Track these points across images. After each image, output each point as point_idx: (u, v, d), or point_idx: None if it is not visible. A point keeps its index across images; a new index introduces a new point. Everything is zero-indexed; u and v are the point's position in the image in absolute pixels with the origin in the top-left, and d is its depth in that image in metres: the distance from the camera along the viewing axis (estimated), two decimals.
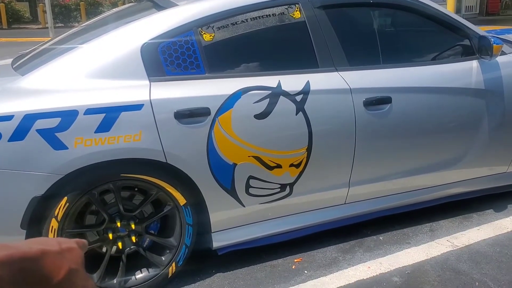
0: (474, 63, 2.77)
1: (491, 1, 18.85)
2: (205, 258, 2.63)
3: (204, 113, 2.27)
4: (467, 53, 2.82)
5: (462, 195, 3.03)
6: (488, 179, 3.04)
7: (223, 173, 2.37)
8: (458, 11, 17.18)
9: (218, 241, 2.51)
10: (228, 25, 2.43)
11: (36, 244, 0.57)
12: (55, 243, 0.59)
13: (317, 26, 2.54)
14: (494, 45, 2.63)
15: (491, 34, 2.86)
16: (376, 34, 2.76)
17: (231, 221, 2.51)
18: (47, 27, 14.57)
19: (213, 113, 2.27)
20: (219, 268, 2.61)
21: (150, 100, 2.20)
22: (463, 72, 2.75)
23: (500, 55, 2.82)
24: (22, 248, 0.54)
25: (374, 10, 2.76)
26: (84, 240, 0.66)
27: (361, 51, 2.75)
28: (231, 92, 2.31)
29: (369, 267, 2.53)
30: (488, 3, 18.85)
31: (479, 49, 2.74)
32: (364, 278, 2.44)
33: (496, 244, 2.68)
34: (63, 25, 18.39)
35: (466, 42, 2.82)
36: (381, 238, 2.83)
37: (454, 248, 2.66)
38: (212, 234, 2.49)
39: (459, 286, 2.32)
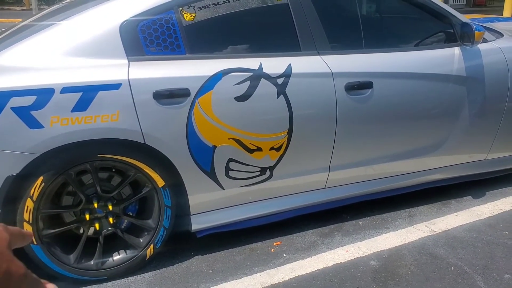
0: (456, 50, 2.78)
1: None
2: (184, 241, 2.62)
3: (184, 94, 2.24)
4: (450, 40, 2.82)
5: (442, 181, 3.06)
6: (467, 166, 3.07)
7: (203, 155, 2.35)
8: (446, 1, 17.24)
9: (197, 223, 2.50)
10: (209, 5, 2.40)
11: None
12: None
13: (300, 9, 2.52)
14: (475, 32, 2.64)
15: (474, 22, 2.86)
16: (359, 18, 2.74)
17: (211, 204, 2.50)
18: (31, 9, 14.28)
19: (193, 94, 2.25)
20: (198, 251, 2.60)
21: (128, 79, 2.16)
22: (445, 58, 2.75)
23: (482, 43, 2.83)
24: None
25: None
26: (26, 231, 0.61)
27: (343, 35, 2.74)
28: (211, 74, 2.28)
29: (347, 251, 2.55)
30: None
31: (462, 36, 2.74)
32: (342, 261, 2.45)
33: (472, 229, 2.72)
34: (47, 6, 18.03)
35: (449, 28, 2.82)
36: (360, 222, 2.85)
37: (432, 234, 2.68)
38: (191, 216, 2.48)
39: (434, 270, 2.34)
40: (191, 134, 2.28)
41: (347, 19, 2.81)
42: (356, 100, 2.55)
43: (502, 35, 3.13)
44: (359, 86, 2.54)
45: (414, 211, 2.96)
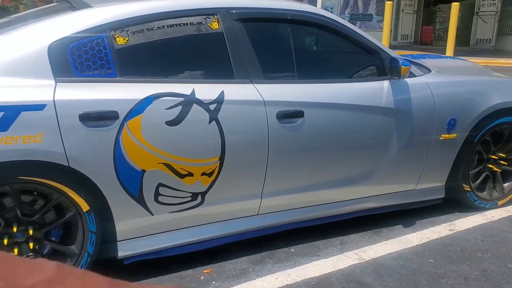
0: (385, 83, 2.90)
1: (424, 32, 19.96)
2: (111, 268, 2.54)
3: (112, 117, 2.21)
4: (380, 74, 2.95)
5: (373, 210, 3.13)
6: (398, 196, 3.17)
7: (131, 180, 2.31)
8: (394, 38, 18.07)
9: (124, 250, 2.44)
10: (143, 30, 2.41)
11: None
12: None
13: (234, 38, 2.57)
14: (402, 66, 2.77)
15: (403, 57, 3.01)
16: (292, 49, 2.82)
17: (139, 230, 2.45)
18: None
19: (121, 117, 2.23)
20: (124, 278, 2.48)
21: (53, 100, 2.12)
22: (375, 91, 2.87)
23: (410, 77, 2.97)
24: None
25: (291, 27, 2.83)
26: None
27: (276, 65, 2.81)
28: (142, 97, 2.28)
29: (276, 278, 2.55)
30: (422, 33, 19.96)
31: (390, 70, 2.87)
32: None
33: (400, 257, 2.79)
34: None
35: (379, 63, 2.95)
36: (292, 250, 2.86)
37: (361, 261, 2.73)
38: (117, 243, 2.42)
39: None
40: (118, 158, 2.25)
41: (281, 49, 2.89)
42: (287, 128, 2.60)
43: (430, 70, 3.30)
44: (290, 114, 2.60)
45: (346, 239, 3.01)
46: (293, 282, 2.51)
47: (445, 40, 15.87)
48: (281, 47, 2.89)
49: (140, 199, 2.37)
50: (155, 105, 2.30)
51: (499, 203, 3.50)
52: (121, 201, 2.33)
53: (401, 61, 2.79)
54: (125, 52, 2.35)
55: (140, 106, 2.27)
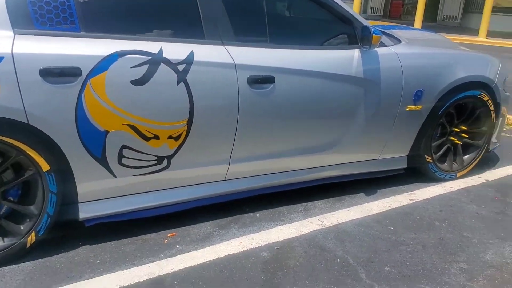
0: (356, 52, 2.89)
1: (394, 6, 20.10)
2: (72, 229, 2.49)
3: (74, 73, 2.11)
4: (351, 42, 2.92)
5: (338, 178, 3.17)
6: (362, 165, 3.21)
7: (93, 140, 2.23)
8: (364, 11, 18.11)
9: (86, 212, 2.38)
10: None
11: None
12: None
13: None
14: (373, 35, 2.76)
15: (374, 27, 3.00)
16: (265, 13, 2.74)
17: (101, 192, 2.39)
18: None
19: (84, 74, 2.13)
20: (86, 240, 2.48)
21: (12, 53, 2.00)
22: (345, 59, 2.85)
23: (380, 47, 2.97)
24: None
25: None
26: None
27: (249, 28, 2.74)
28: (106, 54, 2.18)
29: (241, 242, 2.56)
30: (391, 7, 20.07)
31: (361, 38, 2.85)
32: (234, 252, 2.46)
33: (361, 224, 2.85)
34: None
35: (352, 31, 2.93)
36: (257, 215, 2.88)
37: (323, 227, 2.78)
38: (79, 204, 2.36)
39: (321, 262, 2.42)
40: (81, 117, 2.16)
41: (254, 12, 2.81)
42: (258, 94, 2.56)
43: (400, 41, 3.31)
44: (261, 80, 2.56)
45: (310, 205, 3.04)
46: (257, 246, 2.53)
47: (413, 15, 16.04)
48: (254, 9, 2.81)
49: (102, 161, 2.30)
50: (120, 63, 2.21)
51: (458, 174, 3.62)
52: (83, 161, 2.26)
53: (372, 30, 2.77)
54: (90, 6, 2.23)
55: (104, 63, 2.17)
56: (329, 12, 2.90)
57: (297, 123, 2.78)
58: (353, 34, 2.92)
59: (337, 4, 2.89)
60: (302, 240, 2.62)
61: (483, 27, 14.51)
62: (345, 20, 2.93)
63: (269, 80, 2.58)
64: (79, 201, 2.35)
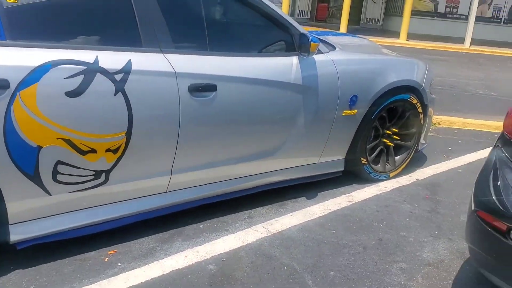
0: (294, 59, 2.92)
1: (320, 9, 20.72)
2: (2, 253, 2.29)
3: (2, 86, 1.94)
4: (289, 49, 2.95)
5: (280, 183, 3.19)
6: (302, 169, 3.26)
7: (24, 157, 2.07)
8: (292, 14, 18.49)
9: (17, 234, 2.21)
10: None
11: None
12: None
13: (143, 2, 2.38)
14: (311, 42, 2.80)
15: (311, 34, 3.05)
16: (204, 20, 2.70)
17: (34, 212, 2.23)
18: None
19: (13, 86, 1.97)
20: (18, 264, 2.30)
21: None
22: (285, 67, 2.88)
23: (317, 54, 3.02)
24: None
25: None
26: None
27: (188, 35, 2.68)
28: (37, 64, 2.03)
29: (186, 256, 2.49)
30: (317, 10, 20.67)
31: (300, 46, 2.89)
32: (180, 267, 2.39)
33: (305, 229, 2.89)
34: None
35: (290, 38, 2.95)
36: (201, 226, 2.82)
37: (268, 234, 2.78)
38: (9, 226, 2.18)
39: (269, 271, 2.42)
40: (9, 132, 1.99)
41: (193, 19, 2.75)
42: (199, 102, 2.51)
43: (334, 48, 3.39)
44: (203, 88, 2.51)
45: (253, 212, 3.04)
46: (202, 259, 2.48)
47: (338, 18, 16.64)
48: (192, 16, 2.74)
49: (35, 178, 2.14)
50: (52, 74, 2.06)
51: (391, 175, 3.78)
52: (14, 180, 2.09)
53: (310, 38, 2.82)
54: (17, 12, 2.07)
55: (35, 74, 2.02)
56: (267, 18, 2.90)
57: (239, 131, 2.77)
58: (290, 41, 2.95)
59: (274, 11, 2.90)
60: (248, 249, 2.61)
61: (404, 30, 15.35)
62: (282, 27, 2.95)
63: (211, 88, 2.54)
64: (10, 223, 2.17)
